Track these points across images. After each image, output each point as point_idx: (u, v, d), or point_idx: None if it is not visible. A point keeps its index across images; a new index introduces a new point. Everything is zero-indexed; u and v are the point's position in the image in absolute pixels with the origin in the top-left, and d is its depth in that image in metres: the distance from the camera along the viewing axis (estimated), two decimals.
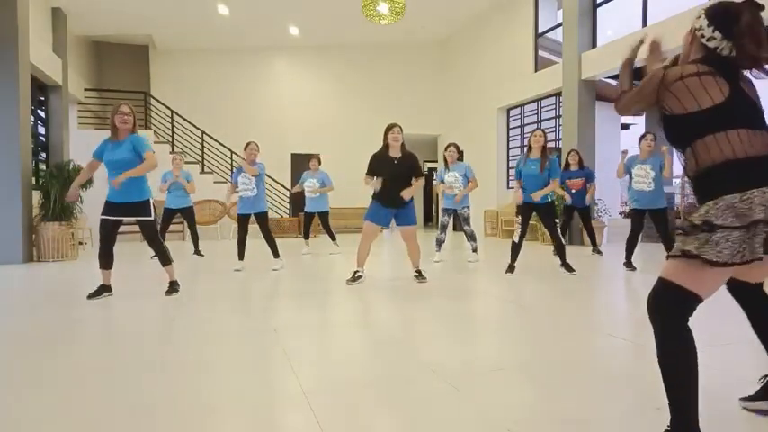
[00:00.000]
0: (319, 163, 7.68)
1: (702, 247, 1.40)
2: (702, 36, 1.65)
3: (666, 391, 1.48)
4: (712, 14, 1.63)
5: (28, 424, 1.84)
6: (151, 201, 4.19)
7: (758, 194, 1.38)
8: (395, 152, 4.75)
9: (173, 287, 4.36)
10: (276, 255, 5.87)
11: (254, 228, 5.89)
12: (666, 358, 1.48)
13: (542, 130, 5.28)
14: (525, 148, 5.60)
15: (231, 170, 12.25)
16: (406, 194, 4.67)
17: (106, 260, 4.16)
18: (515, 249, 5.29)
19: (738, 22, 1.54)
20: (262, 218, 5.81)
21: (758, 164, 1.44)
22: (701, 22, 1.67)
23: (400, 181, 4.72)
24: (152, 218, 4.17)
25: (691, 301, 1.46)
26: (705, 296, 1.47)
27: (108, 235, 4.11)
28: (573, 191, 6.99)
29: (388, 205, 4.74)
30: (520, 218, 5.29)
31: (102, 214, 4.09)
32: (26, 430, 1.80)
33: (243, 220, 5.80)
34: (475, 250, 6.61)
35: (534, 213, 5.36)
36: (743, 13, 1.54)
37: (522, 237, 5.29)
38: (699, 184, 1.53)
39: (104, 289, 4.21)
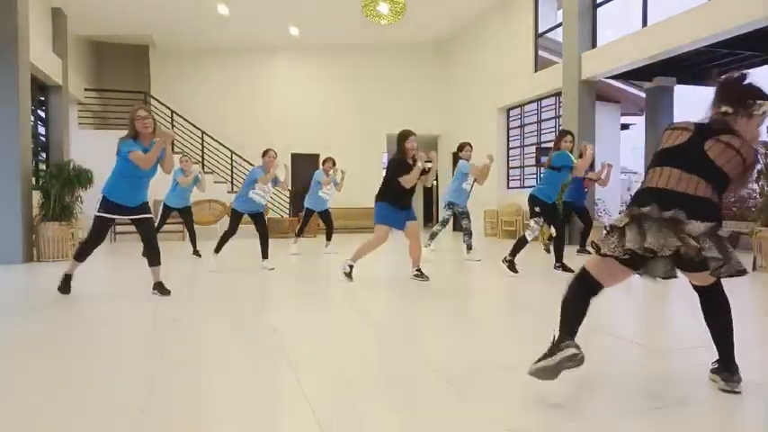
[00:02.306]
0: (334, 164, 7.76)
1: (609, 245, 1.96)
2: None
3: (561, 317, 2.06)
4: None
5: (28, 424, 1.84)
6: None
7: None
8: (411, 158, 4.84)
9: (162, 288, 4.25)
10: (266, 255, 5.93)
11: (250, 228, 5.93)
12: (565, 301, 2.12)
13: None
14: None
15: (231, 170, 12.25)
16: (418, 167, 4.72)
17: (86, 256, 4.18)
18: (522, 245, 5.22)
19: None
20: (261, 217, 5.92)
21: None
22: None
23: (414, 186, 4.86)
24: (152, 215, 4.27)
25: (596, 287, 2.07)
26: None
27: (103, 233, 4.14)
28: (585, 189, 7.01)
29: (403, 207, 4.86)
30: (541, 219, 5.21)
31: (107, 213, 4.08)
32: (26, 430, 1.80)
33: (240, 217, 5.87)
34: (470, 248, 6.71)
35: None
36: None
37: (534, 237, 5.26)
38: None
39: (70, 278, 4.23)
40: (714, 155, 1.96)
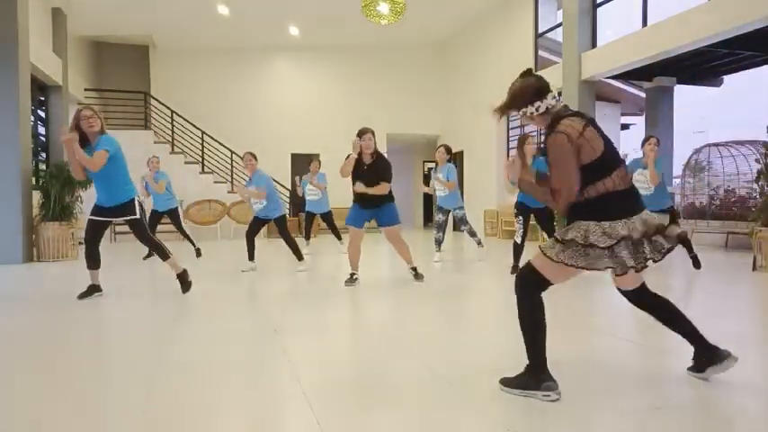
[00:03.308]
0: (319, 165, 7.75)
1: (577, 258, 1.90)
2: (540, 109, 2.02)
3: (524, 339, 2.04)
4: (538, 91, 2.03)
5: (28, 424, 1.84)
6: (137, 199, 4.17)
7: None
8: (366, 158, 4.70)
9: (184, 281, 4.27)
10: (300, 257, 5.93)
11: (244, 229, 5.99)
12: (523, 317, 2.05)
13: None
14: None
15: (231, 170, 12.24)
16: (357, 188, 4.65)
17: (93, 260, 4.15)
18: (518, 250, 5.27)
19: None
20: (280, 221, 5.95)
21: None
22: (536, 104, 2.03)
23: (370, 186, 4.67)
24: (138, 216, 4.14)
25: (547, 284, 2.02)
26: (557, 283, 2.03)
27: (95, 236, 4.12)
28: None
29: (366, 207, 4.75)
30: (520, 218, 5.28)
31: (92, 214, 4.11)
32: (26, 430, 1.80)
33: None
34: (479, 244, 6.66)
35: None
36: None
37: (523, 237, 5.29)
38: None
39: (94, 289, 4.20)
40: None
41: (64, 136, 3.84)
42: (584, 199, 1.95)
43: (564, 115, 1.98)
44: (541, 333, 2.01)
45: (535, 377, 1.96)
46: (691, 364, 2.18)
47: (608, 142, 1.96)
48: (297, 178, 7.98)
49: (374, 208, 4.74)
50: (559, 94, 9.68)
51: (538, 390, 1.94)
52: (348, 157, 4.66)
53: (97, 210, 4.10)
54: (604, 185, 1.91)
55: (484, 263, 6.42)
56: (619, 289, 2.22)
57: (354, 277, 4.79)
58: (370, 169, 4.66)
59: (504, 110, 2.09)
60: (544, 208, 5.28)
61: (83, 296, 4.11)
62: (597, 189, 1.92)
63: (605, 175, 1.91)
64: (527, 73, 2.08)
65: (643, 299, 2.19)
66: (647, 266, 1.92)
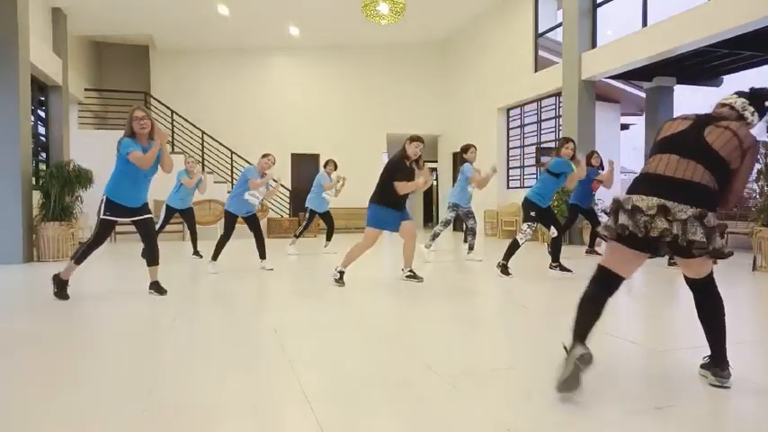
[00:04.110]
0: (335, 167, 7.81)
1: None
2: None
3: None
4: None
5: (28, 424, 1.84)
6: None
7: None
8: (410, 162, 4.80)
9: (158, 288, 4.27)
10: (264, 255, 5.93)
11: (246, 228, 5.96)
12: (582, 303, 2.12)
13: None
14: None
15: (231, 170, 12.26)
16: (421, 182, 4.73)
17: (85, 259, 4.13)
18: (515, 249, 5.24)
19: None
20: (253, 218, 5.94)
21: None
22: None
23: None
24: (152, 215, 4.28)
25: (612, 277, 2.09)
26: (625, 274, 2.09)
27: (106, 236, 4.14)
28: (594, 192, 7.04)
29: (401, 209, 4.80)
30: (534, 224, 5.22)
31: (112, 215, 4.05)
32: (26, 430, 1.80)
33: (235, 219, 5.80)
34: (471, 247, 6.75)
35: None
36: None
37: (525, 240, 5.27)
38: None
39: (66, 284, 4.16)
40: (712, 139, 1.99)
41: (161, 134, 4.08)
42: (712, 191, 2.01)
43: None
44: (588, 318, 2.10)
45: (568, 353, 1.99)
46: (703, 362, 2.21)
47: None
48: (336, 176, 7.76)
49: (403, 209, 4.84)
50: (559, 94, 9.69)
51: (569, 357, 1.96)
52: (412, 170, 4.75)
53: (120, 210, 4.07)
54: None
55: (485, 263, 6.42)
56: (684, 276, 2.21)
57: (343, 275, 4.78)
58: (412, 172, 4.79)
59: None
60: (546, 208, 5.27)
61: (61, 296, 4.07)
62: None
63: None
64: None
65: (699, 292, 2.15)
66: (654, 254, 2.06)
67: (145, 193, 4.17)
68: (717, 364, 2.09)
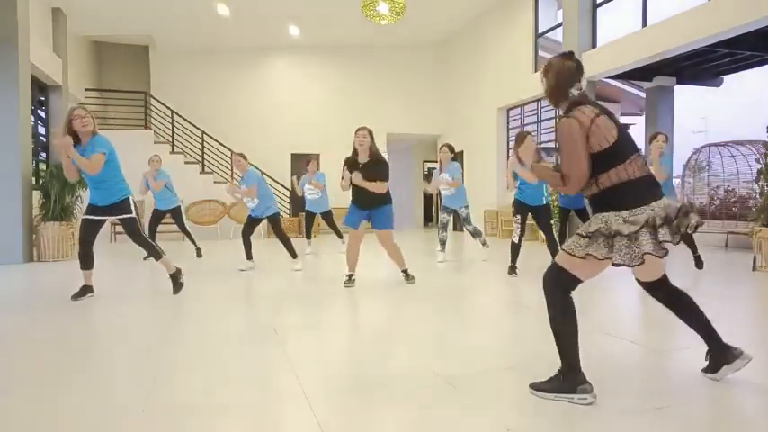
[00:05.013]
0: (318, 165, 7.77)
1: (603, 249, 1.89)
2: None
3: (557, 343, 1.98)
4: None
5: (28, 424, 1.84)
6: (131, 198, 4.17)
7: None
8: (362, 157, 4.61)
9: (176, 281, 4.28)
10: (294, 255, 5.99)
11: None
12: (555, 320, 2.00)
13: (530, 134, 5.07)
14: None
15: (231, 170, 12.24)
16: (355, 178, 4.49)
17: (86, 261, 4.13)
18: (515, 250, 5.28)
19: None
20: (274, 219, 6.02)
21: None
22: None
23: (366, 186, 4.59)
24: (132, 215, 4.15)
25: (576, 282, 2.00)
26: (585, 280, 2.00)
27: (89, 236, 4.10)
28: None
29: (363, 207, 4.68)
30: (518, 217, 5.28)
31: (85, 214, 4.10)
32: (26, 430, 1.80)
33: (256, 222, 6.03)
34: (484, 244, 6.61)
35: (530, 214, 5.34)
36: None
37: (520, 237, 5.28)
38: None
39: (87, 290, 4.18)
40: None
41: (57, 140, 3.80)
42: (599, 190, 1.96)
43: (580, 102, 2.02)
44: (574, 334, 1.97)
45: (570, 380, 1.93)
46: (705, 365, 2.17)
47: (623, 132, 1.97)
48: (294, 178, 8.03)
49: (370, 208, 4.66)
50: None
51: (573, 393, 1.91)
52: (342, 177, 4.59)
53: (91, 209, 4.09)
54: (617, 174, 1.91)
55: (486, 263, 6.42)
56: (638, 280, 2.19)
57: (352, 278, 4.77)
58: (366, 168, 4.56)
59: (551, 93, 2.13)
60: (541, 206, 5.27)
61: (76, 297, 4.10)
62: (610, 178, 1.92)
63: (617, 163, 1.92)
64: (570, 56, 2.14)
65: (661, 291, 2.15)
66: (667, 253, 1.88)
67: (106, 193, 4.04)
68: (722, 353, 2.08)
